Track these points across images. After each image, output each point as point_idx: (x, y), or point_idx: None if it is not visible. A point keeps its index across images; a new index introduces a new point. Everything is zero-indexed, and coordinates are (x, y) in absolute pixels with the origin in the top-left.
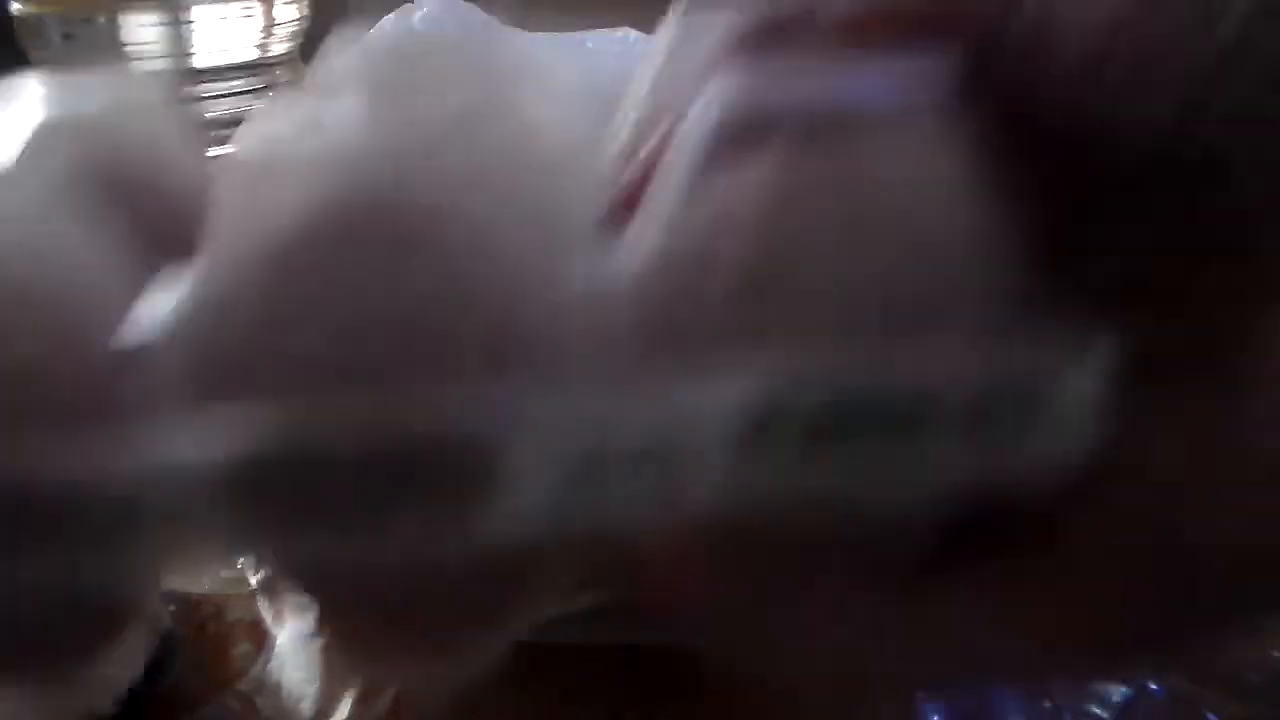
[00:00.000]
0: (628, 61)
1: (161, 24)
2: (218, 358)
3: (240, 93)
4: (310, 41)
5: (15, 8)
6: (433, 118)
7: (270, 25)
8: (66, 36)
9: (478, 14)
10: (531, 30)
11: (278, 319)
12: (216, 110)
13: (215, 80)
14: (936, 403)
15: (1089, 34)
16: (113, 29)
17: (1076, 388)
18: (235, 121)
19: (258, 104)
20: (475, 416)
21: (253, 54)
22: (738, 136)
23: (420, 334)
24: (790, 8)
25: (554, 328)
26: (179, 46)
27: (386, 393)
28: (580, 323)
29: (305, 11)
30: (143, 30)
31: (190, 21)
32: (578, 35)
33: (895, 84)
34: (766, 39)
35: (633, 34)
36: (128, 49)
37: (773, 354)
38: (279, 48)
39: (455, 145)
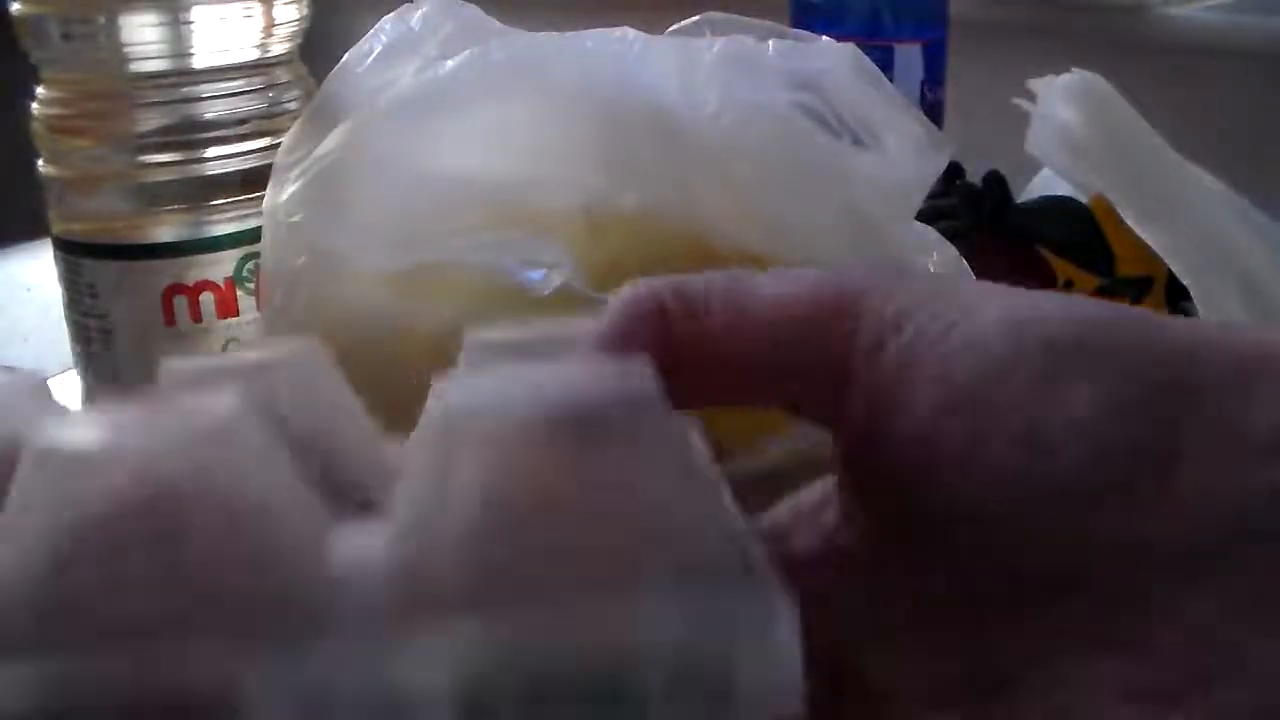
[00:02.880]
0: (628, 61)
1: (161, 24)
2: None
3: (240, 93)
4: (310, 41)
5: (15, 8)
6: None
7: (270, 25)
8: (66, 36)
9: (477, 14)
10: (531, 30)
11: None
12: (216, 110)
13: (215, 80)
14: (637, 669)
15: (942, 395)
16: (113, 29)
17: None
18: (235, 121)
19: (257, 104)
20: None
21: (253, 54)
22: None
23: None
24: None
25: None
26: (179, 46)
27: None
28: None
29: (305, 11)
30: (143, 30)
31: (190, 21)
32: (578, 35)
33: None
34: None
35: (632, 34)
36: (127, 49)
37: (487, 627)
38: (279, 48)
39: None
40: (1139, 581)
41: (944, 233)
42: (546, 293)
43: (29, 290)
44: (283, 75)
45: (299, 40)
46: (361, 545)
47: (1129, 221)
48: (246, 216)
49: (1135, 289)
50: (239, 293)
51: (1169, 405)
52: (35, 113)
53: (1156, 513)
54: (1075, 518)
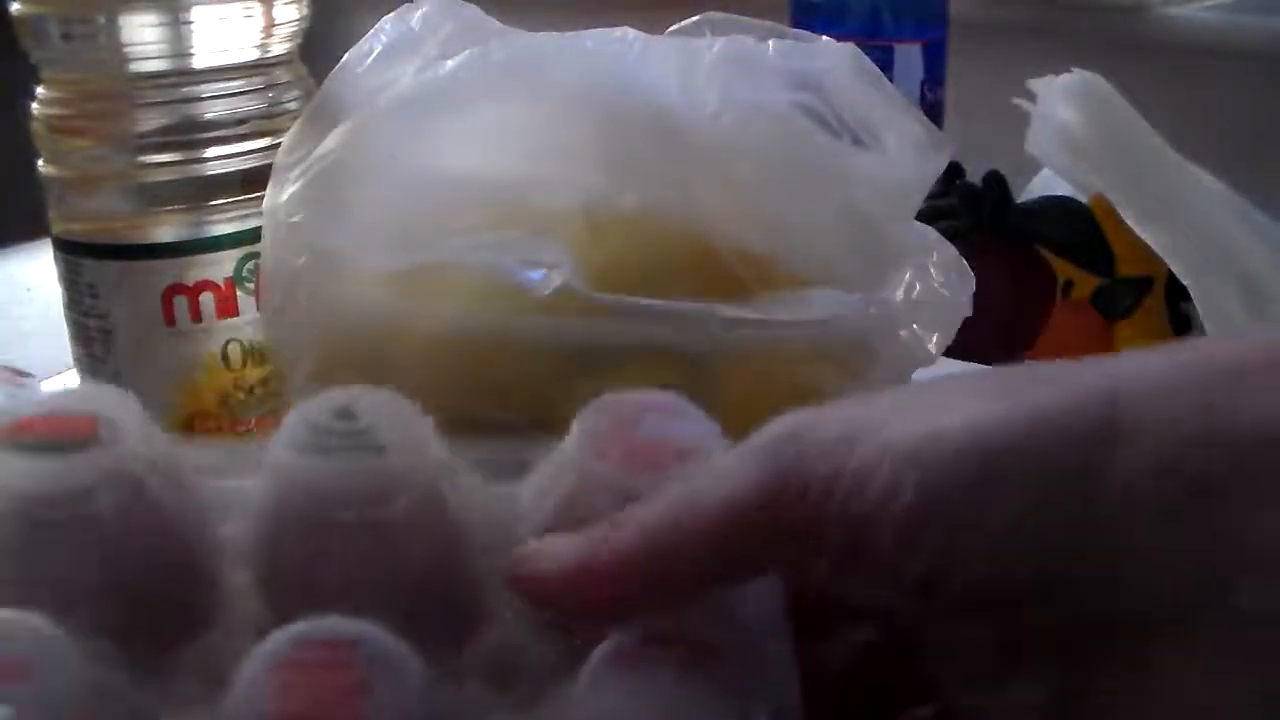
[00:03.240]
0: (628, 61)
1: (161, 24)
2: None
3: (240, 93)
4: (310, 41)
5: (15, 7)
6: None
7: (270, 25)
8: (66, 36)
9: (477, 14)
10: (531, 30)
11: None
12: (216, 110)
13: (215, 80)
14: None
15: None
16: (113, 29)
17: None
18: (235, 121)
19: (257, 104)
20: None
21: (253, 54)
22: None
23: None
24: None
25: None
26: (179, 46)
27: None
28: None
29: (305, 11)
30: (143, 30)
31: (190, 21)
32: (578, 35)
33: None
34: None
35: (632, 34)
36: (127, 49)
37: None
38: (279, 48)
39: None
40: (1109, 647)
41: (944, 233)
42: (546, 293)
43: (29, 290)
44: (283, 75)
45: (299, 40)
46: None
47: (1129, 221)
48: (246, 216)
49: (1135, 289)
50: (239, 293)
51: (1087, 481)
52: (35, 113)
53: (1109, 587)
54: (1034, 613)
